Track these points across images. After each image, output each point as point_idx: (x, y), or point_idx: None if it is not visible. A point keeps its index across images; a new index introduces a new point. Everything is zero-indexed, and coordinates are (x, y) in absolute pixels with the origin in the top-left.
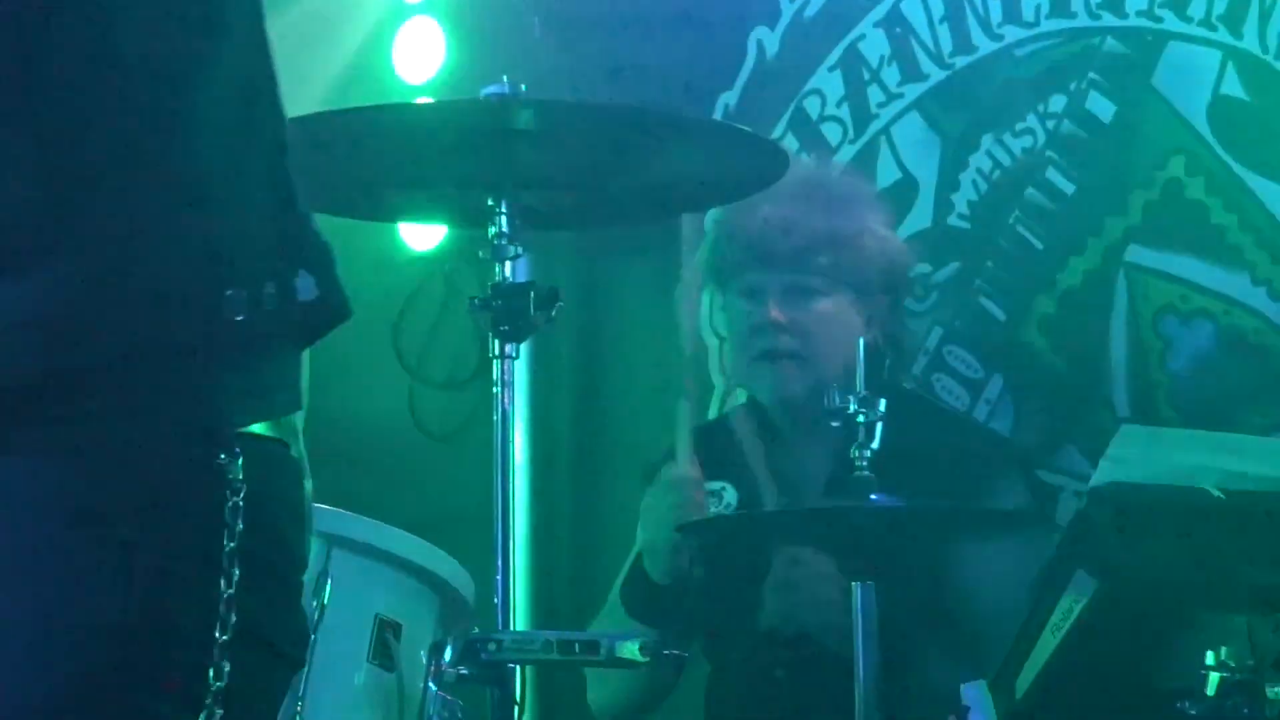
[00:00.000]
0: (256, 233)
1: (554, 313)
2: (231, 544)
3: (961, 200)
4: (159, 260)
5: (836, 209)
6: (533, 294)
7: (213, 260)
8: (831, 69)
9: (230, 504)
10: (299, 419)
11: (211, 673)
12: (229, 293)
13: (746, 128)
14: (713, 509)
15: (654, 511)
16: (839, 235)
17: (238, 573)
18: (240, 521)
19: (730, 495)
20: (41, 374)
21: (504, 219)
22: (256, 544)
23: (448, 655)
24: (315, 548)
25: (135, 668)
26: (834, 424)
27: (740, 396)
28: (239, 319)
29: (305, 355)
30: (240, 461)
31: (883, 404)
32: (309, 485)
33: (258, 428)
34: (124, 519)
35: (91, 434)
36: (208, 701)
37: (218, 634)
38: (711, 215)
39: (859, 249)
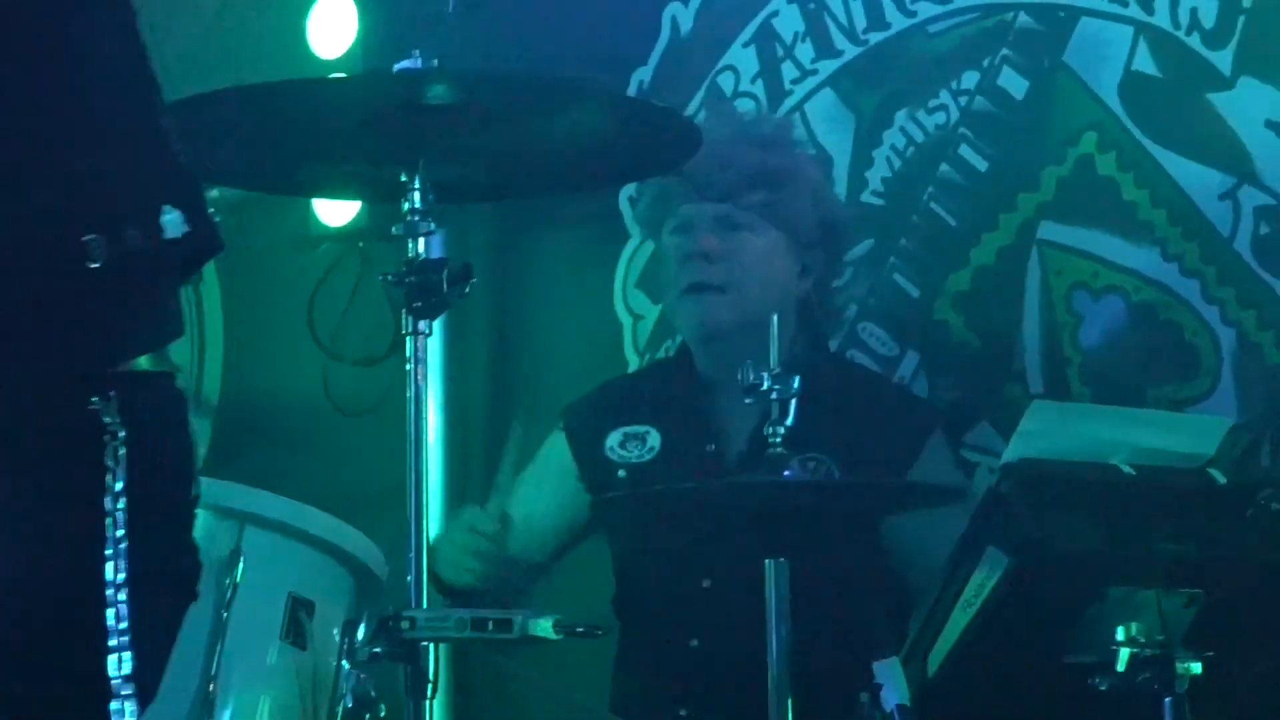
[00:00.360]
0: (116, 176)
1: (467, 289)
2: (117, 485)
3: (875, 177)
4: (11, 213)
5: (773, 149)
6: (446, 270)
7: (68, 208)
8: (745, 45)
9: (110, 447)
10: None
11: (112, 614)
12: (87, 238)
13: (660, 103)
14: (636, 453)
15: (447, 555)
16: (775, 174)
17: (123, 514)
18: (122, 464)
19: (654, 439)
20: None
21: (417, 195)
22: (144, 481)
23: (361, 633)
24: (228, 525)
25: (33, 618)
26: (748, 400)
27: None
28: (94, 266)
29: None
30: (115, 404)
31: (797, 381)
32: (192, 415)
33: (142, 362)
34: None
35: None
36: (112, 643)
37: (111, 574)
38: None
39: (794, 192)
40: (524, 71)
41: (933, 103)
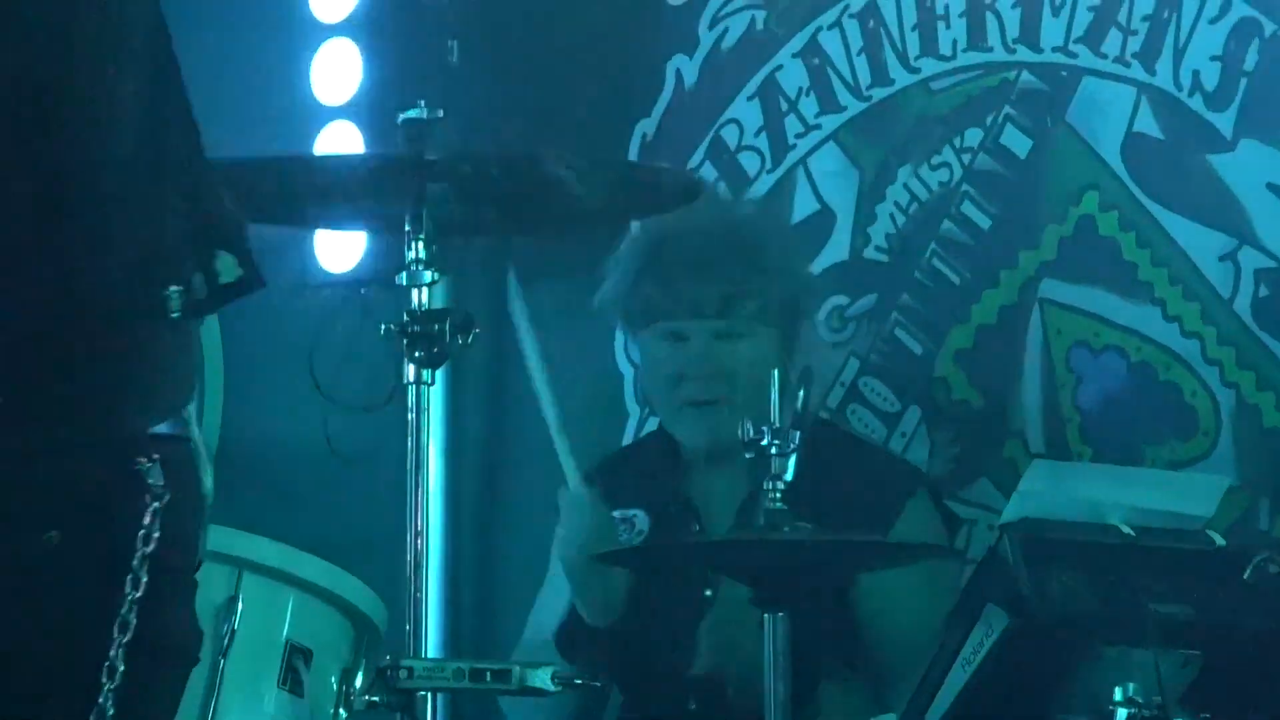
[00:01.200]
0: (182, 224)
1: (470, 339)
2: (146, 549)
3: (878, 233)
4: (101, 268)
5: (758, 251)
6: (449, 321)
7: (151, 261)
8: (750, 99)
9: (151, 508)
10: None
11: (105, 671)
12: (169, 290)
13: (664, 164)
14: (625, 536)
15: (566, 543)
16: (762, 278)
17: (145, 578)
18: (156, 526)
19: (641, 522)
20: None
21: (420, 244)
22: (166, 547)
23: (358, 682)
24: (225, 572)
25: (32, 663)
26: (748, 455)
27: (653, 423)
28: (175, 316)
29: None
30: (159, 465)
31: (797, 436)
32: (210, 476)
33: (163, 425)
34: (48, 521)
35: (23, 439)
36: (100, 701)
37: (117, 634)
38: (621, 254)
39: (781, 290)
40: (526, 126)
41: (936, 159)
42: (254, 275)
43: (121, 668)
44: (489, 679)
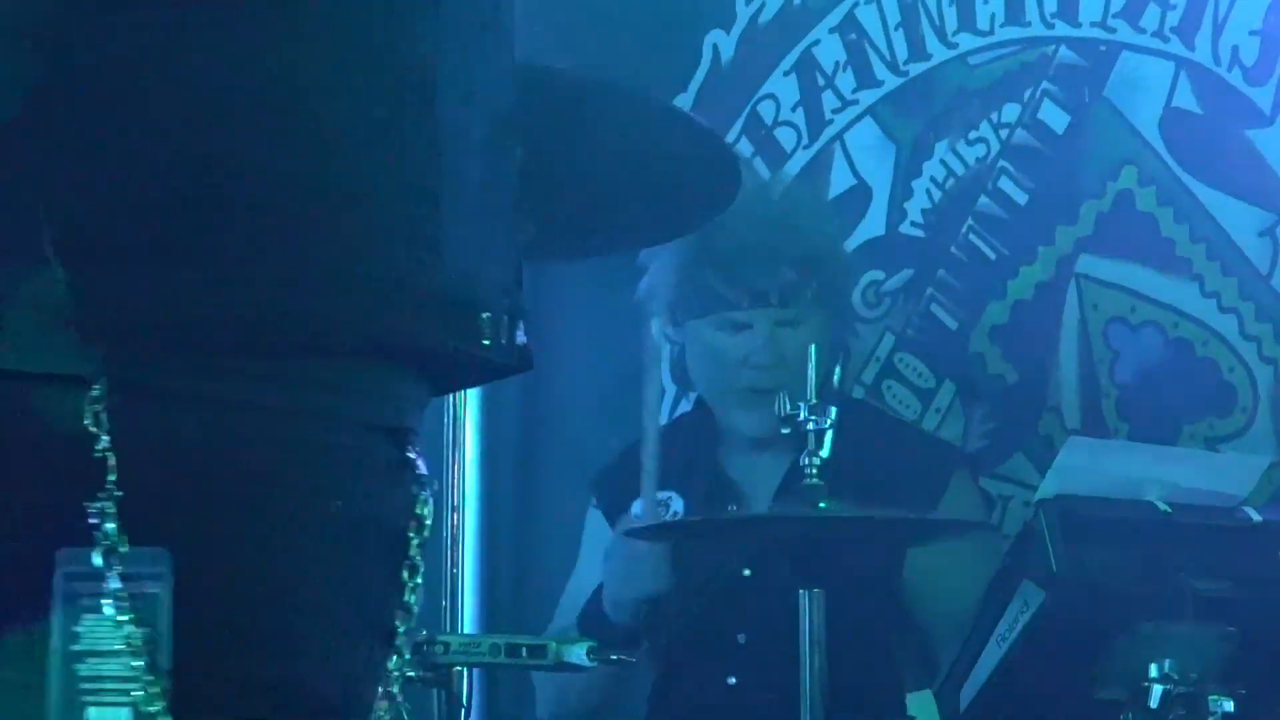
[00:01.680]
0: (498, 269)
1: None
2: (422, 536)
3: (915, 208)
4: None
5: (805, 235)
6: None
7: (468, 281)
8: (786, 74)
9: (421, 497)
10: None
11: (394, 656)
12: (484, 315)
13: (708, 125)
14: (657, 516)
15: (615, 570)
16: (813, 262)
17: (422, 567)
18: (429, 516)
19: (677, 504)
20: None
21: None
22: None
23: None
24: None
25: (315, 640)
26: (784, 431)
27: (685, 404)
28: (485, 344)
29: None
30: (421, 458)
31: (834, 412)
32: None
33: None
34: (336, 492)
35: (313, 403)
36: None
37: (400, 619)
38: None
39: (827, 271)
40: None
41: (973, 135)
42: (529, 351)
43: (406, 656)
44: (525, 654)
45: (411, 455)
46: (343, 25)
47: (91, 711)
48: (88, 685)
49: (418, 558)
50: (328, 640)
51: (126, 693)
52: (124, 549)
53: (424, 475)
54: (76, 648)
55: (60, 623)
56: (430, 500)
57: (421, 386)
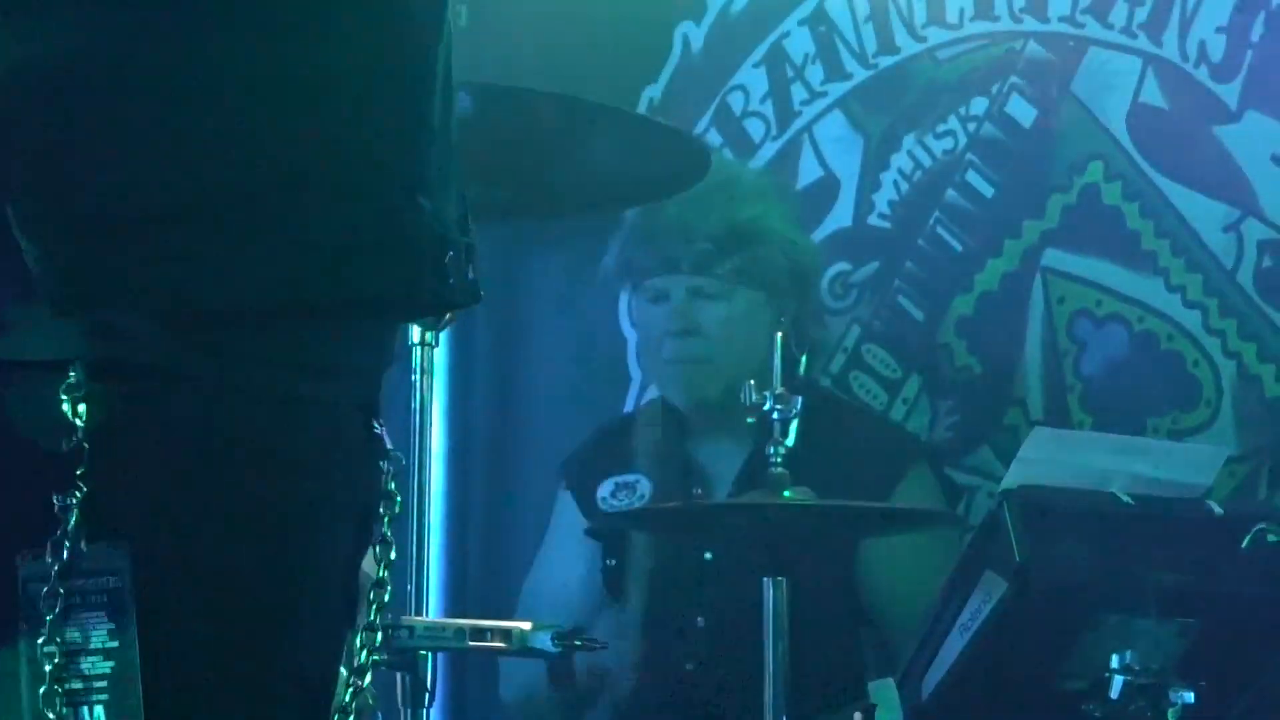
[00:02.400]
0: (455, 203)
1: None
2: (391, 512)
3: (882, 200)
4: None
5: (741, 211)
6: None
7: (438, 223)
8: (756, 65)
9: (388, 472)
10: None
11: (362, 634)
12: (448, 255)
13: (674, 125)
14: (626, 501)
15: None
16: (743, 235)
17: (394, 543)
18: (396, 492)
19: (644, 487)
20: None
21: None
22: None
23: (359, 640)
24: None
25: (299, 620)
26: (749, 420)
27: (655, 390)
28: (450, 282)
29: None
30: (386, 433)
31: (799, 401)
32: None
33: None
34: (310, 472)
35: (290, 383)
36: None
37: (374, 596)
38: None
39: (765, 250)
40: (536, 90)
41: (941, 128)
42: (477, 285)
43: (377, 634)
44: (490, 638)
45: (378, 430)
46: None
47: (65, 710)
48: (57, 684)
49: (389, 534)
50: (308, 620)
51: (95, 689)
52: (85, 546)
53: (391, 450)
54: (46, 647)
55: (24, 623)
56: (396, 475)
57: (389, 347)
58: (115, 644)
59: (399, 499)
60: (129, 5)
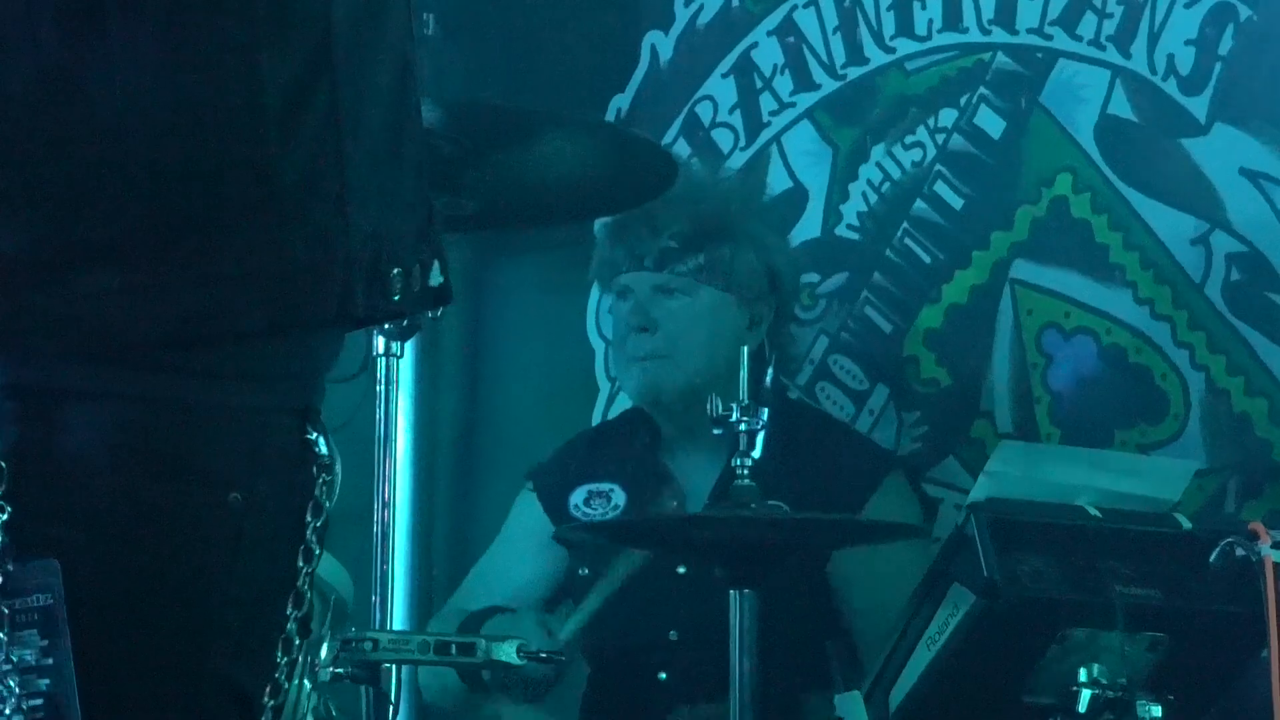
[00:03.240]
0: (408, 217)
1: (439, 313)
2: (317, 522)
3: (851, 211)
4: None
5: (709, 210)
6: None
7: (376, 240)
8: (725, 75)
9: (321, 481)
10: None
11: (280, 645)
12: (394, 271)
13: (641, 133)
14: (600, 510)
15: None
16: (710, 233)
17: (317, 551)
18: (325, 500)
19: (619, 497)
20: (190, 331)
21: None
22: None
23: (324, 653)
24: None
25: (227, 629)
26: (716, 431)
27: (627, 399)
28: (395, 299)
29: None
30: (324, 439)
31: (765, 413)
32: None
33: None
34: (234, 482)
35: (210, 393)
36: (277, 675)
37: (292, 608)
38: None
39: (734, 249)
40: (503, 98)
41: (910, 139)
42: (449, 288)
43: (296, 641)
44: (454, 652)
45: (312, 436)
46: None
47: None
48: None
49: (314, 542)
50: (237, 630)
51: (34, 708)
52: (10, 565)
53: (324, 457)
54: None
55: None
56: (332, 483)
57: (329, 354)
58: (50, 661)
59: (327, 506)
60: (41, 48)
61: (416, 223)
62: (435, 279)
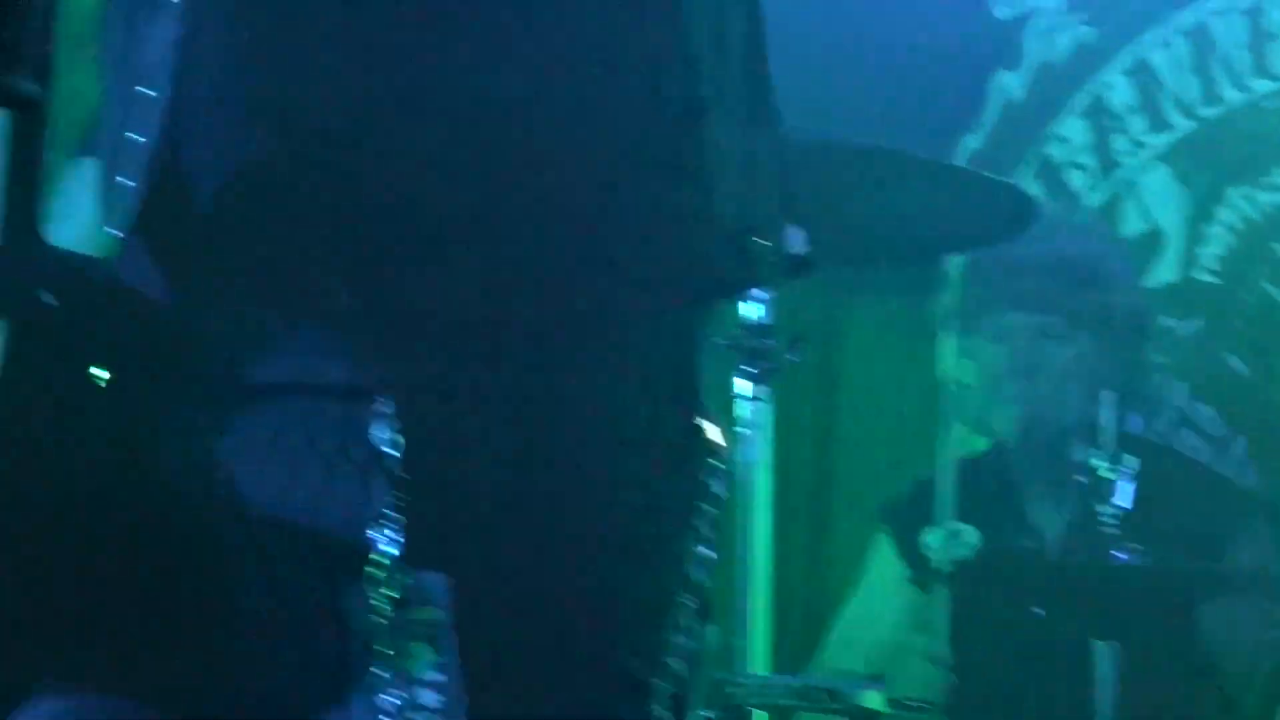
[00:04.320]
0: (769, 188)
1: (799, 355)
2: (715, 510)
3: (1208, 254)
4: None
5: (1081, 251)
6: (780, 337)
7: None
8: (1077, 115)
9: (717, 471)
10: None
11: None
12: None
13: (1000, 177)
14: (952, 548)
15: None
16: (1088, 276)
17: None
18: (722, 490)
19: (970, 536)
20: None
21: None
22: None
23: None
24: None
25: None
26: (1079, 478)
27: (979, 443)
28: (759, 268)
29: None
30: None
31: (1135, 462)
32: None
33: None
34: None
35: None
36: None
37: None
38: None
39: (1103, 294)
40: (856, 136)
41: (1265, 180)
42: (810, 260)
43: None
44: (820, 698)
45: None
46: None
47: None
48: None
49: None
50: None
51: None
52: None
53: (714, 444)
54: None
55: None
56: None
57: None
58: (440, 676)
59: (724, 498)
60: None
61: (777, 194)
62: (800, 247)
